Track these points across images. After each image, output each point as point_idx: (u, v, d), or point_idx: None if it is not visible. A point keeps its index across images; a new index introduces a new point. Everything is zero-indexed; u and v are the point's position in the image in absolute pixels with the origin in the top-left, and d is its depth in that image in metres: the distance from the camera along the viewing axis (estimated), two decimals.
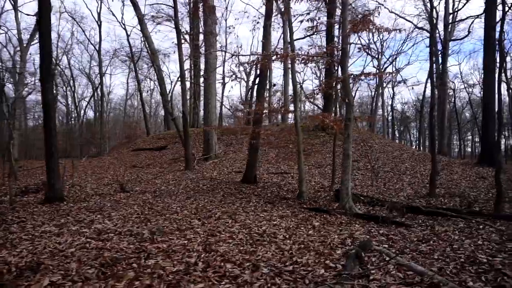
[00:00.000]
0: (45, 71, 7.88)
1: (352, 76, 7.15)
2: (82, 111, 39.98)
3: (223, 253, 4.00)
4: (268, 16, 10.94)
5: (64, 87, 38.11)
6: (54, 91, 26.94)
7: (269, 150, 18.00)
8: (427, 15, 24.94)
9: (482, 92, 16.45)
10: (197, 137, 20.93)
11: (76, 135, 32.93)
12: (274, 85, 41.38)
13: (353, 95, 37.04)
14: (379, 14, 7.89)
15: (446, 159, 17.14)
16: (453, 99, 36.67)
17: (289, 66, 9.41)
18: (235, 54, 7.86)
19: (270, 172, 13.96)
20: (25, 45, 26.51)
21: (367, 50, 7.50)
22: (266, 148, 18.24)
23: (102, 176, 14.14)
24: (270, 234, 5.01)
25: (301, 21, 11.05)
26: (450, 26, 25.21)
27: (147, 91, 41.41)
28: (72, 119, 38.96)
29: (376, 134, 22.76)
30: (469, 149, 51.95)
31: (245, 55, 7.42)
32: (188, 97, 20.49)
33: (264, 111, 11.35)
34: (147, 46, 21.44)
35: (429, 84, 32.13)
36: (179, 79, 14.59)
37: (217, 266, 3.56)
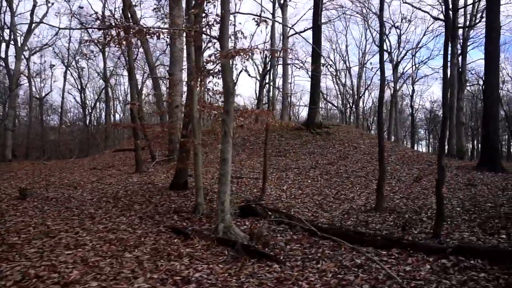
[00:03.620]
0: None
1: (230, 53, 5.28)
2: (93, 112, 40.08)
3: None
4: None
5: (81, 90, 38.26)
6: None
7: (244, 151, 16.29)
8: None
9: (483, 87, 13.84)
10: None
11: (73, 136, 32.76)
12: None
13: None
14: None
15: (445, 161, 14.57)
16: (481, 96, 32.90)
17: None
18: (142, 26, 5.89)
19: None
20: (20, 45, 26.51)
21: (258, 20, 5.58)
22: (241, 149, 16.58)
23: (47, 178, 13.07)
24: None
25: None
26: (469, 12, 22.25)
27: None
28: (80, 120, 39.12)
29: (369, 133, 20.32)
30: (505, 149, 47.27)
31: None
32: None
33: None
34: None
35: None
36: (128, 71, 13.20)
37: None
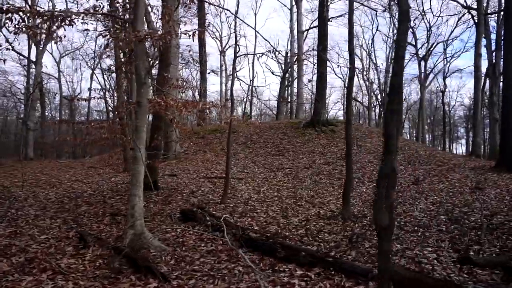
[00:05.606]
0: None
1: (138, 37, 4.54)
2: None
3: None
4: None
5: (105, 90, 39.28)
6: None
7: (242, 151, 15.51)
8: None
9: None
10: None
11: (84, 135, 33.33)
12: (310, 80, 37.82)
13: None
14: None
15: (460, 160, 13.05)
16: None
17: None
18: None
19: (209, 176, 11.53)
20: (41, 48, 27.35)
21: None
22: (240, 148, 15.82)
23: (38, 177, 13.03)
24: None
25: None
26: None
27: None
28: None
29: (379, 130, 18.75)
30: None
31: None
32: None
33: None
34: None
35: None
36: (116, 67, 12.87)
37: None
